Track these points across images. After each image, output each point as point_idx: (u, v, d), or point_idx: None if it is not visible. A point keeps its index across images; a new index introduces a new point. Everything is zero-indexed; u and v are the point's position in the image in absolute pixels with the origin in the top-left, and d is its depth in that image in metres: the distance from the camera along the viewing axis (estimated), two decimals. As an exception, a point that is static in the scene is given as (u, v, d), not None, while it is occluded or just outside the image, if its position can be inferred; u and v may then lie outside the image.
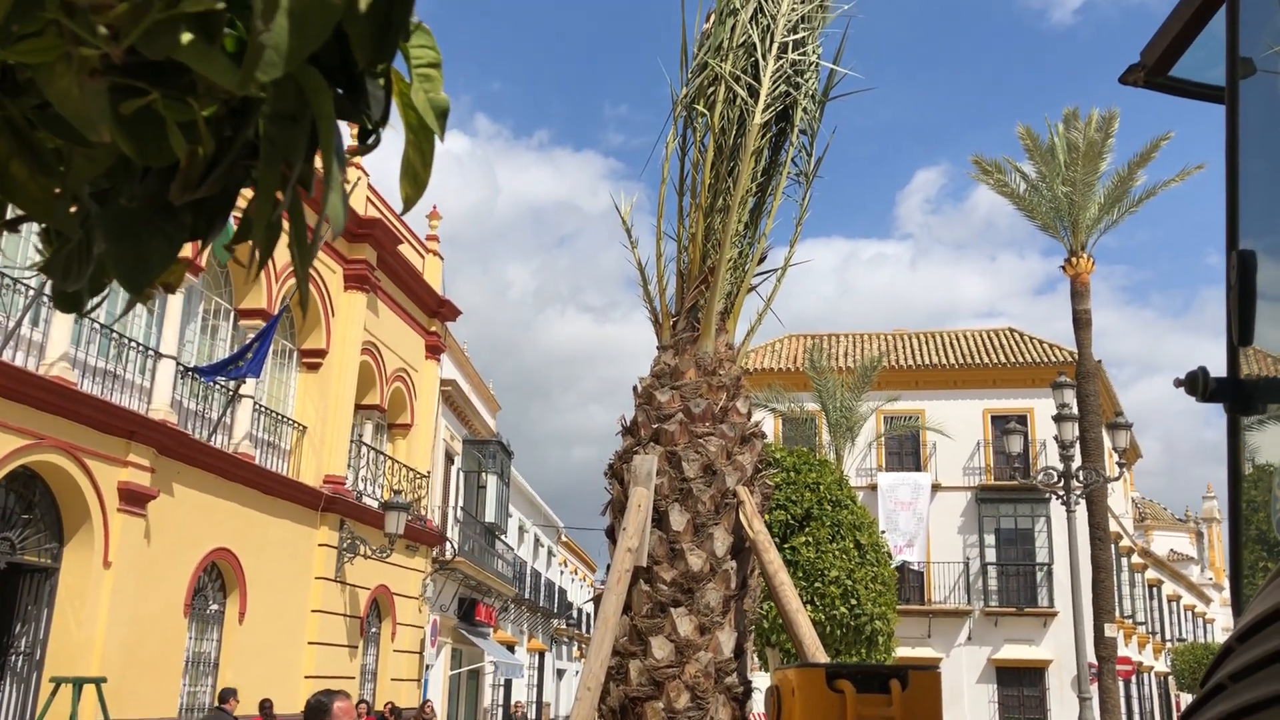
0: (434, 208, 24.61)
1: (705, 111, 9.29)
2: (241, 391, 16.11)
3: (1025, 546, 33.70)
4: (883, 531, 22.65)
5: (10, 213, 1.24)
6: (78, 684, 11.42)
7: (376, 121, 1.17)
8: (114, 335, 13.85)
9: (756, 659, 17.00)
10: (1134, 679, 36.34)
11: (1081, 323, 25.61)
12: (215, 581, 15.94)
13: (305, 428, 18.35)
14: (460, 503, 26.48)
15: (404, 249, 21.46)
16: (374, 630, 20.65)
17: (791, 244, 9.92)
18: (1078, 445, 19.82)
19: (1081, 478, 19.32)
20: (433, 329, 23.46)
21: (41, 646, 12.38)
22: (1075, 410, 20.06)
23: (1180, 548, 55.60)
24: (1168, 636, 45.40)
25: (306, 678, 17.42)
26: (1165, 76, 3.17)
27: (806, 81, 9.45)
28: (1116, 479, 23.12)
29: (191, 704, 15.16)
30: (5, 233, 1.33)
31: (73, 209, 1.22)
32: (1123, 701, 29.19)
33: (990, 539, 33.79)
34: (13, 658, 12.30)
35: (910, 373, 35.20)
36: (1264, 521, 2.35)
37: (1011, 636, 32.98)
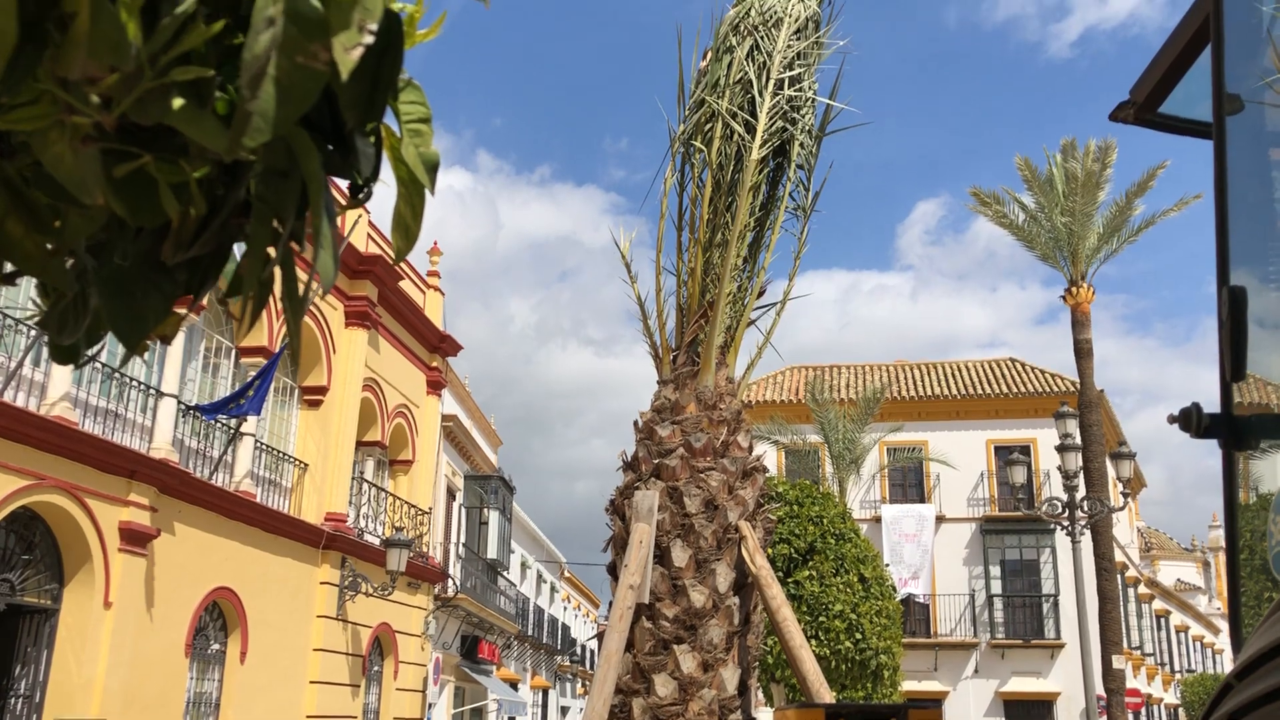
0: (434, 244, 24.72)
1: (703, 148, 9.36)
2: (243, 429, 16.10)
3: (1031, 578, 33.51)
4: (887, 564, 22.54)
5: (6, 268, 1.26)
6: (77, 726, 11.33)
7: (367, 178, 1.19)
8: (115, 375, 13.87)
9: (761, 695, 16.88)
10: (1143, 711, 36.00)
11: (1083, 352, 25.62)
12: (216, 621, 15.86)
13: (306, 465, 18.33)
14: (462, 539, 26.38)
15: (405, 285, 21.53)
16: (376, 669, 20.51)
17: (790, 277, 9.97)
18: (1081, 475, 19.76)
19: (1086, 508, 19.24)
20: (434, 364, 23.48)
21: (41, 689, 12.30)
22: (1078, 440, 20.03)
23: (1187, 577, 55.25)
24: (1177, 668, 45.02)
25: (309, 718, 17.28)
26: (1155, 113, 3.20)
27: (803, 117, 9.53)
28: (1121, 509, 23.01)
29: (192, 745, 15.04)
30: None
31: (69, 261, 1.24)
32: (1132, 734, 28.90)
33: (996, 570, 33.61)
34: (12, 700, 12.22)
35: (912, 404, 35.17)
36: (1261, 556, 2.34)
37: (1019, 669, 32.71)
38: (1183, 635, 47.07)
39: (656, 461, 8.72)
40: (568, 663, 42.89)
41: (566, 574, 45.02)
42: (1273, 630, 1.88)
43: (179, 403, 14.68)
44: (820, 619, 16.54)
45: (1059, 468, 19.23)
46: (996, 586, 33.49)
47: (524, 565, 35.86)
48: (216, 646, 15.79)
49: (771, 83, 9.14)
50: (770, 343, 9.81)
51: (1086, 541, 20.41)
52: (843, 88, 9.93)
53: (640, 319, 9.61)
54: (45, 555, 12.63)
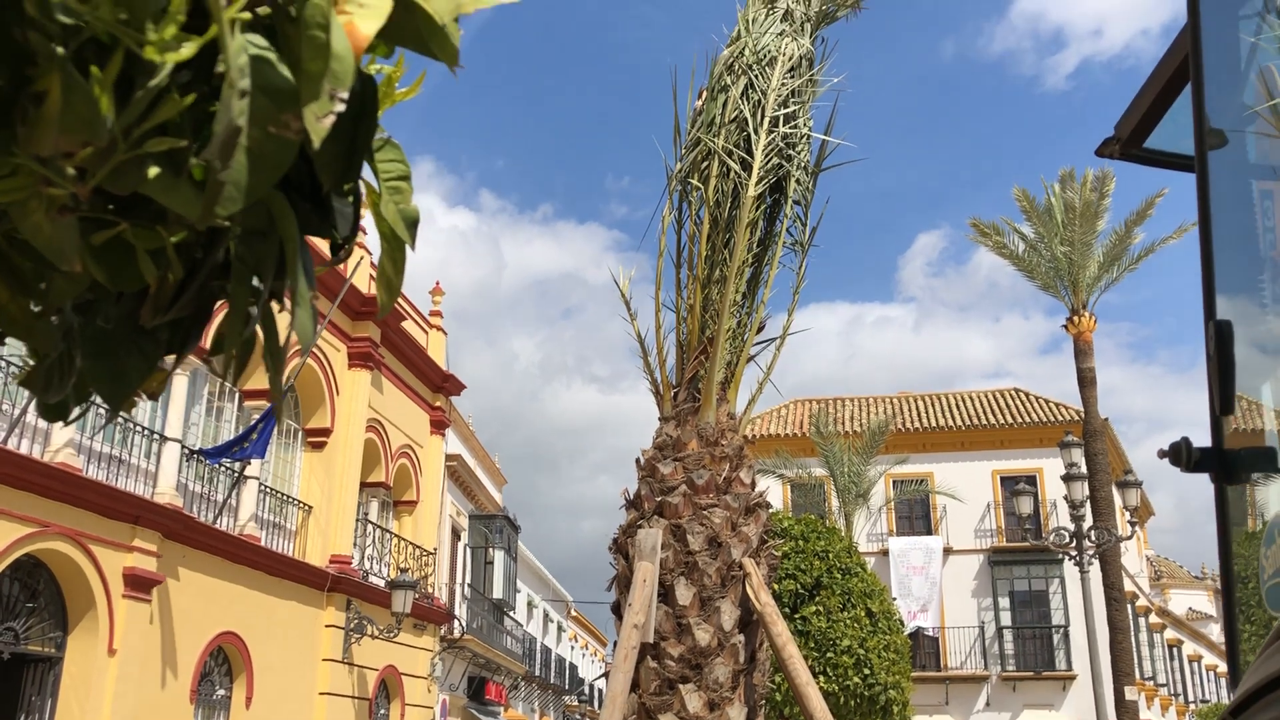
0: (437, 283, 24.83)
1: (700, 185, 9.42)
2: (247, 473, 16.10)
3: (1040, 609, 33.26)
4: (894, 598, 22.38)
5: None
6: (81, 776, 11.25)
7: (346, 237, 1.21)
8: (119, 420, 13.90)
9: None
10: (1159, 743, 35.59)
11: (1086, 381, 25.59)
12: (222, 666, 15.77)
13: (311, 507, 18.30)
14: (467, 579, 26.27)
15: (407, 325, 21.60)
16: (383, 712, 20.36)
17: (790, 312, 9.99)
18: (1088, 505, 19.67)
19: (1093, 537, 19.15)
20: (437, 404, 23.50)
21: (45, 738, 12.23)
22: (1084, 469, 19.96)
23: (1199, 606, 54.78)
24: (1190, 698, 44.54)
25: (314, 763, 17.14)
26: (1140, 148, 3.23)
27: (799, 154, 9.60)
28: (1129, 538, 22.90)
29: (197, 793, 14.90)
30: None
31: (54, 318, 1.26)
32: (1148, 767, 28.56)
33: (1005, 602, 33.36)
34: (16, 750, 12.14)
35: (917, 435, 35.09)
36: (1255, 590, 2.34)
37: (1031, 701, 32.38)
38: (1196, 665, 46.61)
39: (659, 499, 8.71)
40: (575, 703, 42.52)
41: (573, 613, 44.76)
42: (1269, 664, 1.87)
43: (183, 447, 14.70)
44: (828, 655, 16.41)
45: (1065, 497, 19.15)
46: (1006, 618, 33.23)
47: (530, 605, 35.66)
48: (222, 692, 15.70)
49: (766, 120, 9.22)
50: (771, 378, 9.83)
51: (1095, 571, 20.28)
52: (840, 122, 10.04)
53: (641, 356, 9.64)
54: (49, 603, 12.59)
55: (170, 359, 1.27)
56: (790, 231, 9.84)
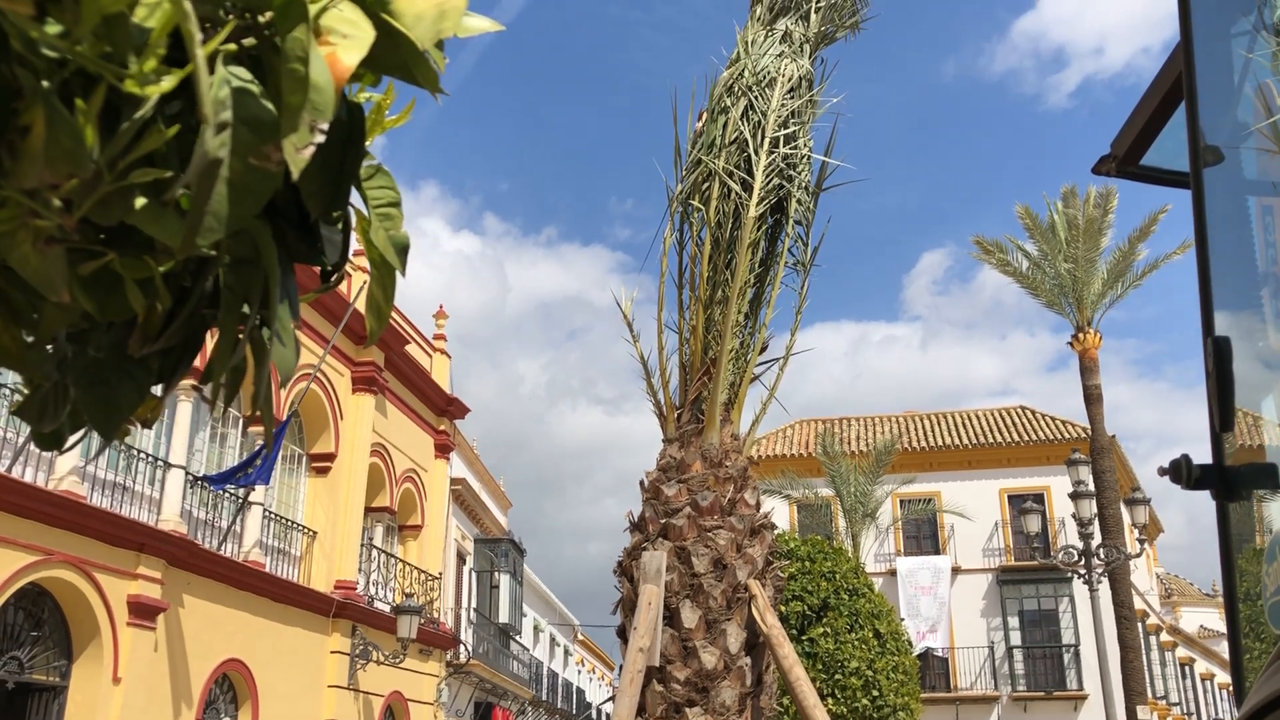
0: (440, 307, 24.87)
1: (701, 206, 9.45)
2: (251, 499, 16.09)
3: (1050, 628, 33.06)
4: (902, 619, 22.27)
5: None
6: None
7: (335, 264, 1.21)
8: (123, 447, 13.91)
9: (779, 756, 16.57)
10: (1172, 762, 35.28)
11: (1092, 398, 25.53)
12: (227, 694, 15.71)
13: (315, 533, 18.27)
14: (473, 604, 26.18)
15: (411, 349, 21.62)
16: (389, 738, 20.25)
17: (792, 332, 9.99)
18: (1096, 522, 19.58)
19: (1102, 555, 19.04)
20: (441, 428, 23.49)
21: (50, 768, 12.17)
22: (1091, 487, 19.87)
23: (1210, 623, 54.38)
24: (1204, 717, 44.17)
25: (320, 791, 17.03)
26: (1136, 165, 3.24)
27: (799, 174, 9.63)
28: (1138, 555, 22.74)
29: (203, 822, 14.81)
30: None
31: (49, 348, 1.26)
32: (1161, 787, 28.30)
33: (1014, 621, 33.17)
34: (21, 780, 12.08)
35: (923, 454, 35.00)
36: (1259, 607, 2.32)
37: (1042, 722, 32.14)
38: (1208, 683, 46.24)
39: (663, 521, 8.69)
40: (584, 727, 42.26)
41: (580, 637, 44.56)
42: (1273, 681, 1.86)
43: (187, 474, 14.70)
44: (836, 676, 16.31)
45: (1073, 515, 19.06)
46: (1016, 638, 33.02)
47: (537, 629, 35.51)
48: (228, 719, 15.63)
49: (767, 141, 9.25)
50: (775, 397, 9.82)
51: (1105, 590, 20.16)
52: (842, 142, 10.09)
53: (644, 378, 9.64)
54: (53, 631, 12.56)
55: (161, 388, 1.27)
56: (792, 251, 9.86)
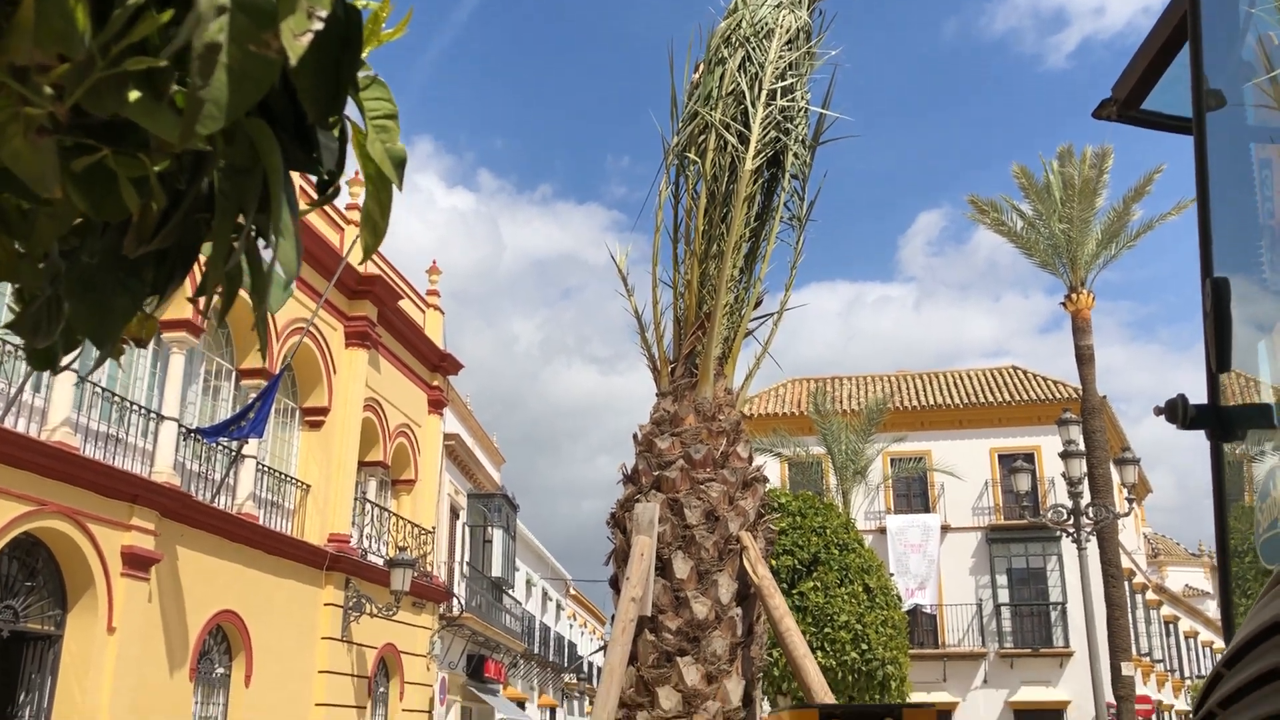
0: (434, 262, 24.77)
1: (697, 159, 9.39)
2: (244, 452, 16.10)
3: (1038, 586, 33.40)
4: (891, 575, 22.46)
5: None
6: (82, 752, 11.29)
7: (331, 171, 1.19)
8: (116, 399, 13.89)
9: (766, 706, 16.80)
10: (1154, 718, 35.80)
11: (1084, 358, 25.60)
12: (221, 644, 15.82)
13: (309, 486, 18.32)
14: (466, 558, 26.33)
15: (405, 304, 21.56)
16: (382, 690, 20.44)
17: (787, 288, 9.98)
18: (1085, 482, 19.71)
19: (1091, 515, 19.19)
20: (435, 383, 23.49)
21: (45, 716, 12.26)
22: (1081, 447, 19.98)
23: (1195, 583, 55.03)
24: (1187, 674, 44.79)
25: (314, 740, 17.22)
26: (1137, 110, 3.21)
27: (796, 127, 9.56)
28: (1126, 515, 22.94)
29: (198, 770, 14.98)
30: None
31: (41, 264, 1.24)
32: (1144, 741, 28.75)
33: (1003, 579, 33.50)
34: (17, 727, 12.19)
35: (915, 413, 35.13)
36: (1249, 544, 2.34)
37: (1028, 678, 32.56)
38: (1192, 641, 46.85)
39: (656, 474, 8.72)
40: (574, 680, 42.73)
41: (572, 591, 44.91)
42: (1259, 616, 1.87)
43: (180, 426, 14.69)
44: (825, 630, 16.48)
45: (1063, 475, 19.19)
46: (1004, 595, 33.37)
47: (529, 583, 35.77)
48: (221, 670, 15.75)
49: (764, 93, 9.17)
50: (769, 353, 9.82)
51: (1093, 549, 20.34)
52: (840, 99, 9.99)
53: (639, 332, 9.63)
54: (48, 581, 12.61)
55: (155, 301, 1.25)
56: (788, 206, 9.82)
